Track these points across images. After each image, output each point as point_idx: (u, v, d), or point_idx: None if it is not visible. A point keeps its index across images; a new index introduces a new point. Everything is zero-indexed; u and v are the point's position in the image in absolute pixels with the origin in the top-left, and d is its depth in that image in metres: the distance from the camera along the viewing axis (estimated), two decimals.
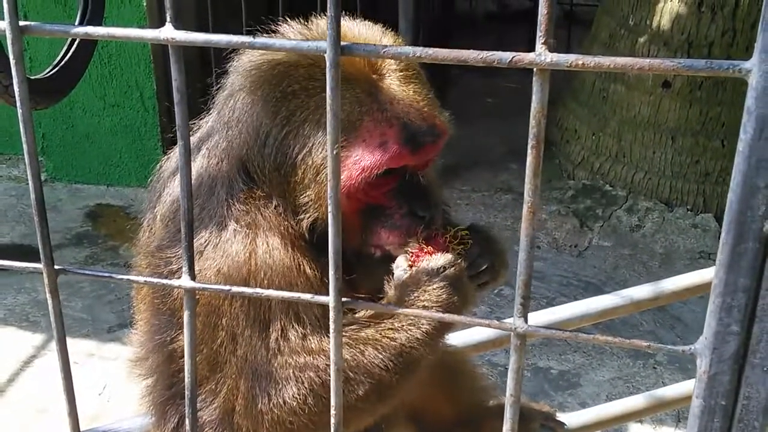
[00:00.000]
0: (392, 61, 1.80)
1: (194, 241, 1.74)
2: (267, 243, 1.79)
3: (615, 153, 6.72)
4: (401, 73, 1.81)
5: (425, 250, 1.83)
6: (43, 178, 5.80)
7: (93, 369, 4.73)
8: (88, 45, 4.74)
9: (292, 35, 1.88)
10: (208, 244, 1.80)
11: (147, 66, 6.32)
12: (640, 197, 6.56)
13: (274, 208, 1.83)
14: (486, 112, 7.85)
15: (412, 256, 1.83)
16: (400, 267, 1.82)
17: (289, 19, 1.93)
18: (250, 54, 1.87)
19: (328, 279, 1.62)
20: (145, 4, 6.12)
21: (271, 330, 1.78)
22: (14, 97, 3.64)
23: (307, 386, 1.77)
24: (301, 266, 1.81)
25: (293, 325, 1.78)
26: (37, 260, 1.15)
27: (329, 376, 1.76)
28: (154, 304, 1.94)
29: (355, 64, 1.77)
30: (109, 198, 6.56)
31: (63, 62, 4.53)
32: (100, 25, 4.65)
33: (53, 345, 4.97)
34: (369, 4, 5.26)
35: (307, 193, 1.79)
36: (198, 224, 1.78)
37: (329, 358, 1.77)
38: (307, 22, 1.91)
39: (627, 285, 4.64)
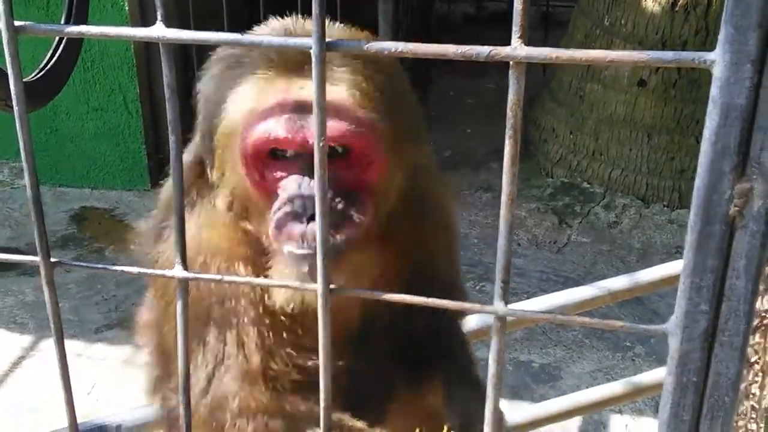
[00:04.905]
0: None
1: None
2: (199, 226, 1.81)
3: (592, 151, 6.80)
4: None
5: None
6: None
7: (81, 369, 4.75)
8: (73, 48, 4.75)
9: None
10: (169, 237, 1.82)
11: (130, 70, 6.34)
12: (617, 194, 6.65)
13: (213, 189, 1.80)
14: (467, 112, 7.90)
15: None
16: None
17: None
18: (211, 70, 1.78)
19: (265, 262, 1.66)
20: (127, 8, 6.14)
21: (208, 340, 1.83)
22: (3, 101, 3.62)
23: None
24: (238, 246, 1.81)
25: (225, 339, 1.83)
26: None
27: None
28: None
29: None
30: (94, 201, 6.57)
31: (49, 66, 4.54)
32: None
33: (41, 346, 4.99)
34: (349, 7, 5.31)
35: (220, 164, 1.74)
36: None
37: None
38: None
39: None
